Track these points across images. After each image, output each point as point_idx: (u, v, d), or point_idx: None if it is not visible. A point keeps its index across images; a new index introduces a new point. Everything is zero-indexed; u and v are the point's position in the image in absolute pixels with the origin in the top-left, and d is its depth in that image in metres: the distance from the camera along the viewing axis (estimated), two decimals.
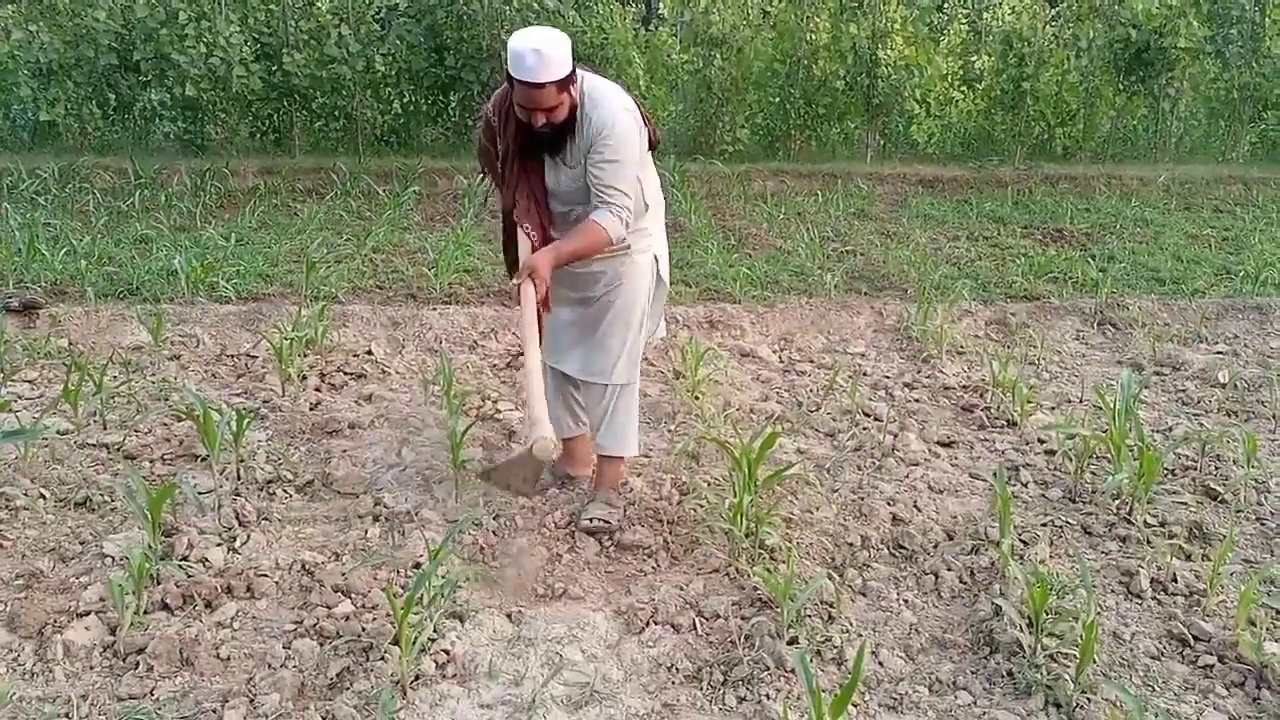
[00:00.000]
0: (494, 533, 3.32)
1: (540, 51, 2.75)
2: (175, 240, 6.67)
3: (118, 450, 3.80)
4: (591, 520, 3.30)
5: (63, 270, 5.80)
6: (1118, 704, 2.42)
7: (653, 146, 3.21)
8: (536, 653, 2.70)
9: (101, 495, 3.43)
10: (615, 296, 3.25)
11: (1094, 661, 2.56)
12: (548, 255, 2.98)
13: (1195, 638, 2.79)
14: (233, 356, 4.97)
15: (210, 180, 8.28)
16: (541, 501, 3.51)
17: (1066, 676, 2.54)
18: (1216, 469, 3.91)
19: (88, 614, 2.71)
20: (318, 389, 4.60)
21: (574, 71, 2.90)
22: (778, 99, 10.64)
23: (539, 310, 3.00)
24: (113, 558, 3.02)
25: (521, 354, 3.48)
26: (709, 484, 3.64)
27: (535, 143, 3.03)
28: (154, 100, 9.04)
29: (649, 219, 3.28)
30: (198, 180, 8.27)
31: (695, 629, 2.83)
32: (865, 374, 5.03)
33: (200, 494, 3.35)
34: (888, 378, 4.98)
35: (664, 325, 3.64)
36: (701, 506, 3.47)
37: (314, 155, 9.95)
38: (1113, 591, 3.06)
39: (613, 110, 2.97)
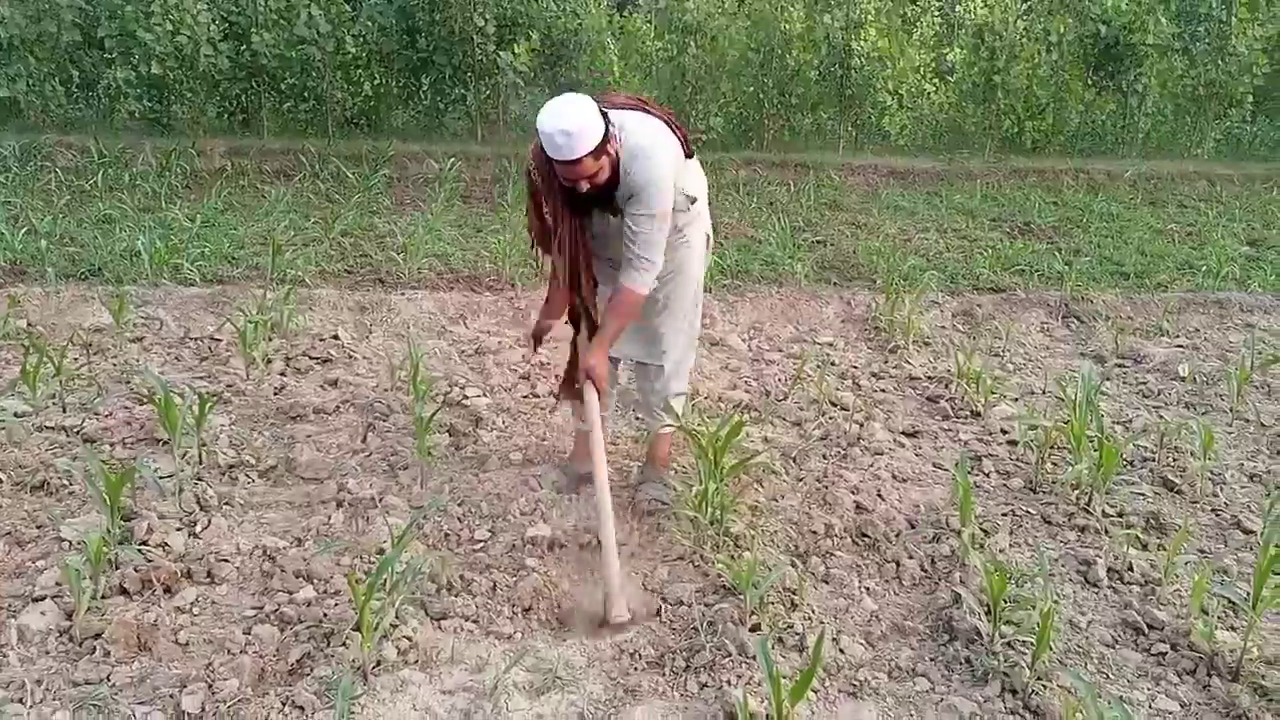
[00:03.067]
0: (459, 519, 3.31)
1: (568, 131, 2.78)
2: (139, 221, 6.56)
3: (77, 433, 3.75)
4: (650, 501, 3.40)
5: (23, 250, 5.69)
6: (1072, 691, 2.46)
7: (688, 155, 3.24)
8: (499, 639, 2.70)
9: (59, 479, 3.38)
10: (674, 283, 3.34)
11: (1050, 649, 2.60)
12: (600, 351, 3.11)
13: (1149, 626, 2.84)
14: (196, 339, 4.91)
15: (176, 160, 8.15)
16: (509, 489, 3.50)
17: (1023, 664, 2.57)
18: (1174, 461, 3.98)
19: (44, 599, 2.68)
20: (282, 373, 4.55)
21: (607, 131, 2.88)
22: (751, 88, 10.63)
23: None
24: (70, 542, 2.98)
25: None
26: (675, 471, 3.65)
27: (585, 201, 3.05)
28: (119, 78, 8.88)
29: (699, 205, 3.34)
30: (163, 160, 8.14)
31: (659, 615, 2.84)
32: (833, 364, 5.06)
33: (161, 478, 3.31)
34: (855, 367, 5.02)
35: None
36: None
37: (282, 137, 9.82)
38: (1070, 580, 3.11)
39: (648, 161, 2.98)
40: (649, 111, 3.15)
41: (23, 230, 5.95)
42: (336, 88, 9.97)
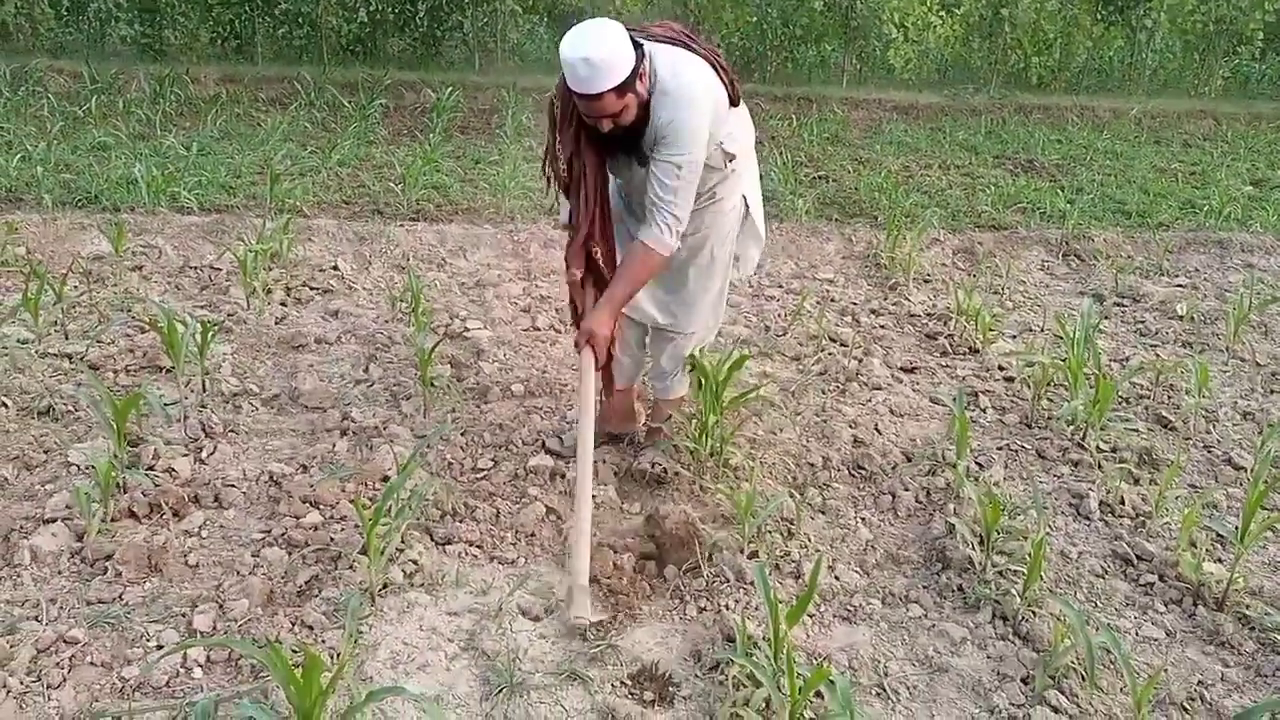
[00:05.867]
0: (462, 448, 3.35)
1: (591, 60, 2.49)
2: (134, 148, 6.49)
3: (80, 360, 3.76)
4: (652, 465, 3.21)
5: (18, 176, 5.64)
6: (1061, 618, 2.52)
7: (734, 103, 2.93)
8: (503, 564, 2.76)
9: (65, 405, 3.41)
10: (700, 245, 3.05)
11: (1041, 578, 2.66)
12: (605, 313, 2.78)
13: (1138, 557, 2.90)
14: (195, 268, 4.90)
15: (170, 87, 8.02)
16: (511, 420, 3.53)
17: (1014, 592, 2.64)
18: (1169, 398, 4.02)
19: (54, 520, 2.72)
20: (283, 303, 4.56)
21: (637, 66, 2.59)
22: (754, 18, 10.45)
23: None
24: (78, 466, 3.02)
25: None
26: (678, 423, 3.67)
27: (607, 143, 2.79)
28: (109, 1, 8.69)
29: (737, 163, 3.01)
30: (156, 86, 8.01)
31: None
32: (833, 300, 5.07)
33: (166, 405, 3.34)
34: (855, 304, 5.03)
35: (754, 261, 3.38)
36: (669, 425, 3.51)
37: (277, 64, 9.68)
38: (1062, 513, 3.17)
39: (681, 105, 2.67)
40: (692, 48, 2.81)
41: (17, 156, 5.89)
42: (331, 13, 9.78)
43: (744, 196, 3.11)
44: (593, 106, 2.60)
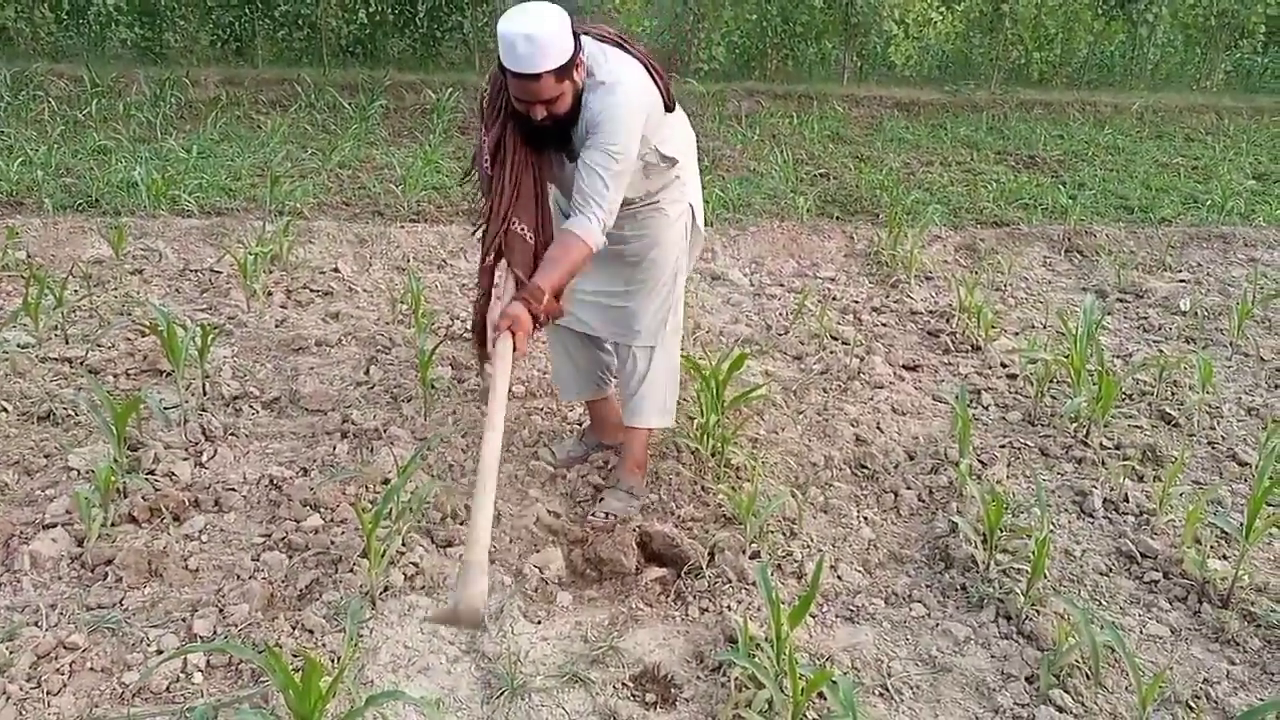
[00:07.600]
0: (463, 450, 3.34)
1: (533, 38, 2.38)
2: (135, 151, 6.48)
3: (81, 364, 3.76)
4: (607, 516, 2.97)
5: (19, 181, 5.63)
6: (1065, 616, 2.51)
7: (668, 108, 2.82)
8: (505, 566, 2.75)
9: (65, 409, 3.40)
10: (646, 252, 2.93)
11: (1044, 576, 2.65)
12: (528, 304, 2.56)
13: (1143, 555, 2.89)
14: (196, 271, 4.89)
15: (170, 90, 8.01)
16: (512, 421, 3.52)
17: (1018, 590, 2.62)
18: (1173, 394, 4.00)
19: (54, 526, 2.71)
20: (283, 306, 4.55)
21: (576, 53, 2.51)
22: (755, 15, 10.44)
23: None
24: (78, 471, 3.01)
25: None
26: (678, 404, 3.66)
27: (538, 135, 2.66)
28: (109, 4, 8.69)
29: (680, 169, 2.91)
30: (157, 90, 8.01)
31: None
32: (834, 298, 5.06)
33: (166, 409, 3.33)
34: (856, 302, 5.01)
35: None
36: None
37: (277, 66, 9.66)
38: (1066, 511, 3.15)
39: (614, 94, 2.57)
40: (628, 50, 2.72)
41: (18, 160, 5.89)
42: (331, 14, 9.78)
43: (690, 206, 3.01)
44: (529, 89, 2.48)
